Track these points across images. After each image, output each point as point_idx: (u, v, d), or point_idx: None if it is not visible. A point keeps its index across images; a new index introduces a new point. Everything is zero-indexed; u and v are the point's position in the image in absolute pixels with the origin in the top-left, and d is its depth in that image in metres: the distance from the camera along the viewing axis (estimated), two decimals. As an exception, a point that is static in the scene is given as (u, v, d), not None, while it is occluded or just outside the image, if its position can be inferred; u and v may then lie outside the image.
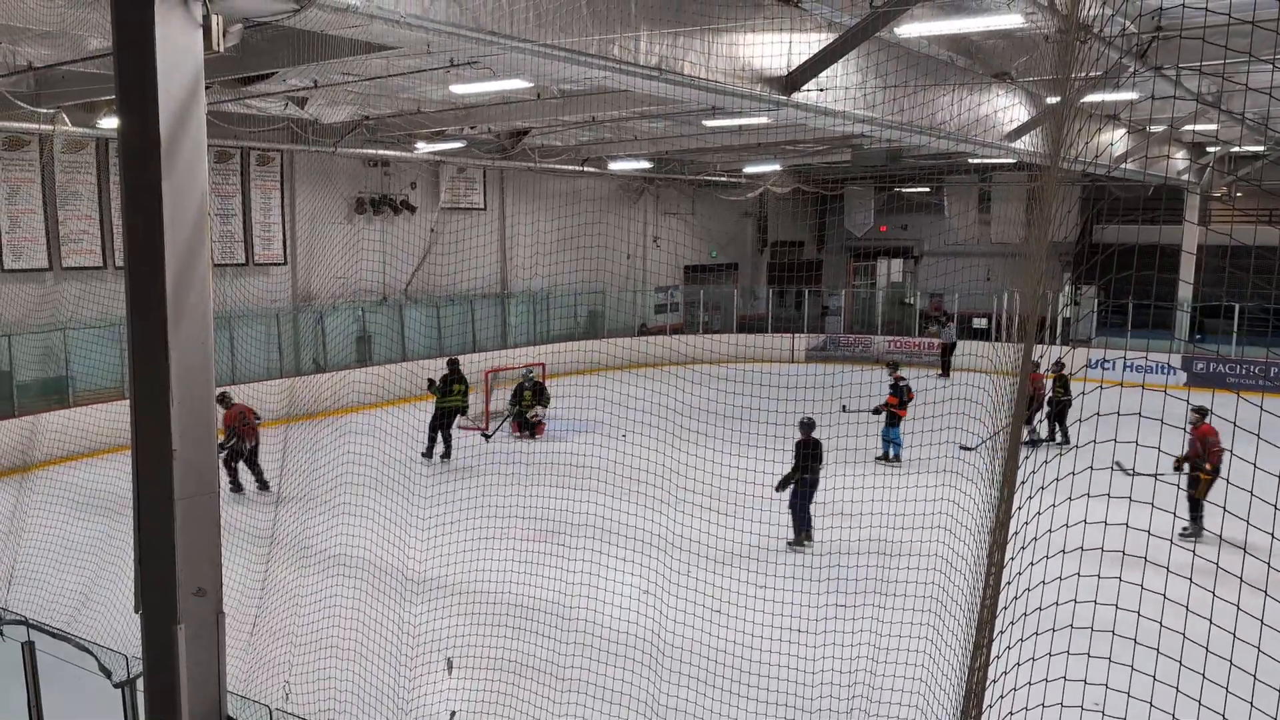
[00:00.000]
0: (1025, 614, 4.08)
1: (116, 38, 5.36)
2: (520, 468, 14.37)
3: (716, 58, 10.23)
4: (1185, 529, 10.79)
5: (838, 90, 12.00)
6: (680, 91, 10.98)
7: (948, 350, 26.76)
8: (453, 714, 7.46)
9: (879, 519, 7.98)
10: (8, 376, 16.64)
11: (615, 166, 25.72)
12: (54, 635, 6.56)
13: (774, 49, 10.78)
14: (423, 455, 16.03)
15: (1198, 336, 26.14)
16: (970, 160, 26.24)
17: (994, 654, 3.90)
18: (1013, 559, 3.74)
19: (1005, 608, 3.78)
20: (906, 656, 7.27)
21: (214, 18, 5.50)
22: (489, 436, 18.32)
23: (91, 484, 14.57)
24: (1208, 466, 11.09)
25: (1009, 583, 3.78)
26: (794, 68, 11.12)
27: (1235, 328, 25.09)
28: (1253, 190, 28.00)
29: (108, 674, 6.23)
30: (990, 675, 3.84)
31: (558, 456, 14.12)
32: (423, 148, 21.15)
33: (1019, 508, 3.83)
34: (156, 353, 5.36)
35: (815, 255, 35.85)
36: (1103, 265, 25.64)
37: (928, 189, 32.70)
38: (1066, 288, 28.92)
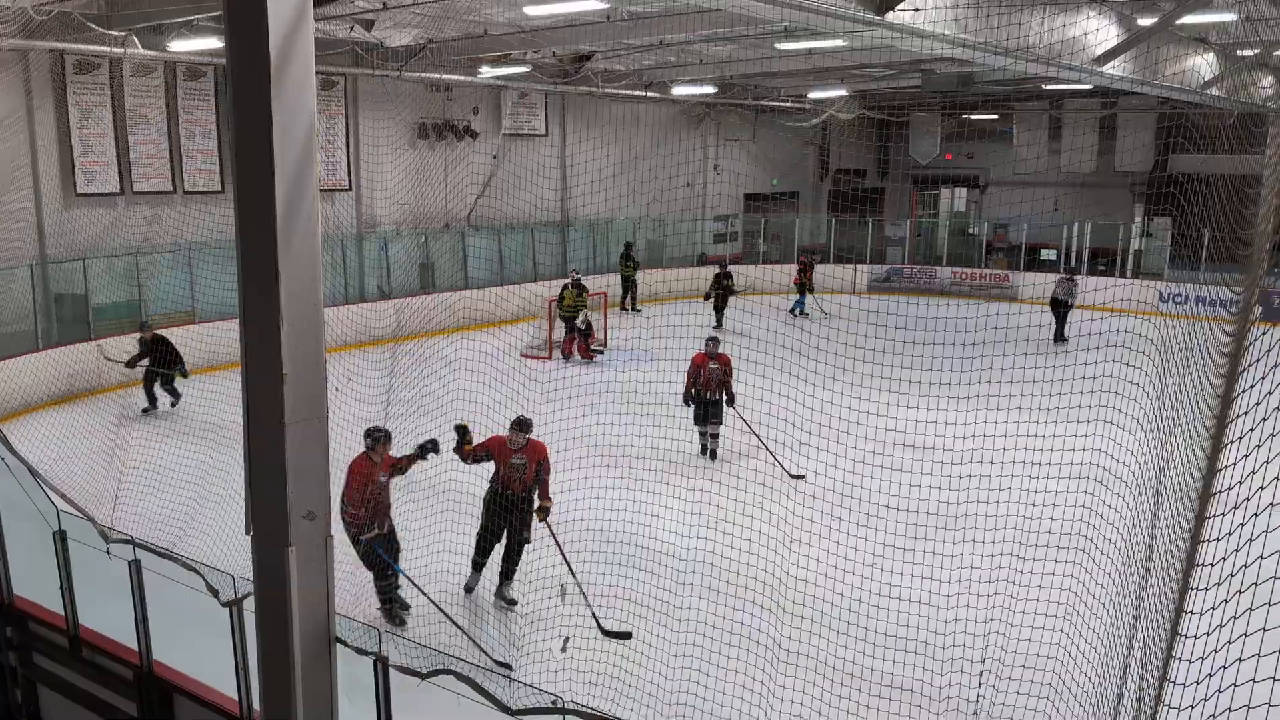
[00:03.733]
0: (1232, 573, 3.90)
1: (223, -46, 5.22)
2: (585, 396, 14.36)
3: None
4: None
5: (931, 11, 11.56)
6: (767, 9, 10.62)
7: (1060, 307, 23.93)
8: (566, 639, 7.53)
9: (1021, 467, 7.75)
10: (83, 300, 16.87)
11: (678, 91, 25.24)
12: (161, 554, 6.66)
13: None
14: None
15: (1276, 270, 25.30)
16: (1043, 86, 25.40)
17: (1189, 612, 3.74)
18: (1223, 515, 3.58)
19: (1210, 564, 3.62)
20: (1047, 608, 7.12)
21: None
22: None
23: (182, 408, 14.83)
24: None
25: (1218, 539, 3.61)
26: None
27: (1316, 262, 24.24)
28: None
29: (215, 593, 6.32)
30: (1185, 630, 3.70)
31: (620, 385, 14.10)
32: (486, 72, 20.86)
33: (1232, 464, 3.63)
34: (268, 276, 5.30)
35: (878, 184, 35.16)
36: (1177, 196, 24.73)
37: (996, 116, 31.78)
38: (1138, 219, 28.11)
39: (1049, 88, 25.77)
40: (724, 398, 12.32)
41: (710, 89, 25.57)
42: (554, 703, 6.69)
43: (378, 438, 8.39)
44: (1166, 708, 4.25)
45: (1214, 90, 20.32)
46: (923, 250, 31.69)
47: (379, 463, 8.33)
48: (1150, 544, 5.06)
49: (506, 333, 16.50)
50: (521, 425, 8.78)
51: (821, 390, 8.59)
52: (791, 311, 23.08)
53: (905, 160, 34.12)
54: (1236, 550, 3.81)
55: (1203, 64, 19.98)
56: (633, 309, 24.23)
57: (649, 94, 24.91)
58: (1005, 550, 7.34)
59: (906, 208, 34.50)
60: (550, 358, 18.95)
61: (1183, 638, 4.11)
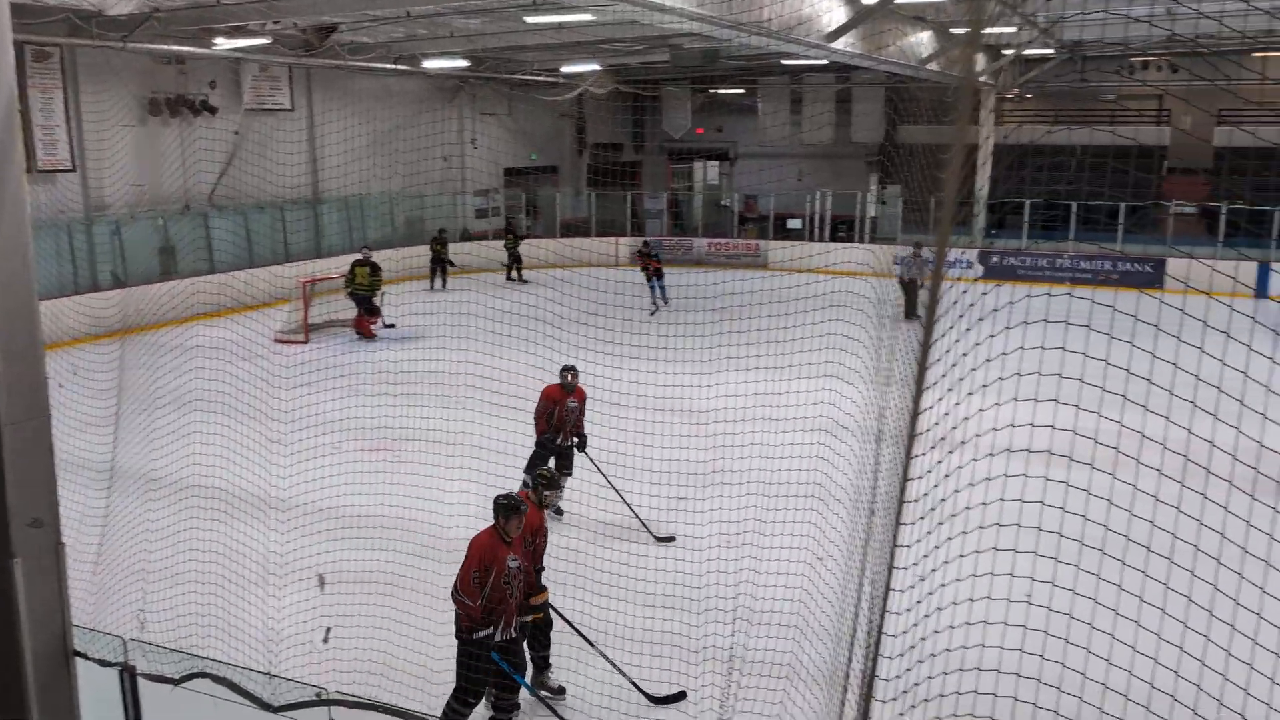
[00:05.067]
0: (932, 507, 4.30)
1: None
2: (351, 379, 14.01)
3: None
4: None
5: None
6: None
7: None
8: (328, 630, 7.34)
9: (758, 423, 8.16)
10: None
11: (429, 65, 24.79)
12: None
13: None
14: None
15: (993, 232, 27.77)
16: (783, 62, 26.65)
17: (901, 546, 4.09)
18: (922, 455, 3.93)
19: (915, 500, 3.97)
20: (789, 554, 7.59)
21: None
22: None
23: None
24: None
25: (919, 477, 3.97)
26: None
27: (1025, 223, 26.78)
28: (1041, 91, 29.67)
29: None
30: (899, 562, 4.05)
31: (388, 365, 13.85)
32: (222, 44, 19.73)
33: (929, 407, 3.99)
34: (-32, 265, 4.87)
35: (634, 157, 35.88)
36: (906, 165, 26.69)
37: (742, 90, 33.08)
38: (873, 187, 30.06)
39: (788, 63, 27.02)
40: (575, 441, 9.83)
41: (462, 63, 25.25)
42: (318, 694, 6.57)
43: (515, 505, 6.17)
44: (889, 636, 4.66)
45: (933, 65, 22.00)
46: (681, 222, 32.72)
47: (510, 541, 6.22)
48: (874, 486, 5.51)
49: (256, 318, 15.83)
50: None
51: (589, 364, 8.81)
52: (657, 299, 21.57)
53: (659, 134, 34.97)
54: (935, 486, 4.23)
55: (922, 41, 21.57)
56: (519, 279, 25.13)
57: (399, 67, 24.33)
58: (751, 503, 7.79)
59: (663, 180, 35.43)
60: (307, 341, 18.30)
61: (898, 569, 4.51)
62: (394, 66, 24.12)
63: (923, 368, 4.32)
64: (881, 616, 4.72)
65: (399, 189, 26.36)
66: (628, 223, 30.39)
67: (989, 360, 4.29)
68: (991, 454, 4.78)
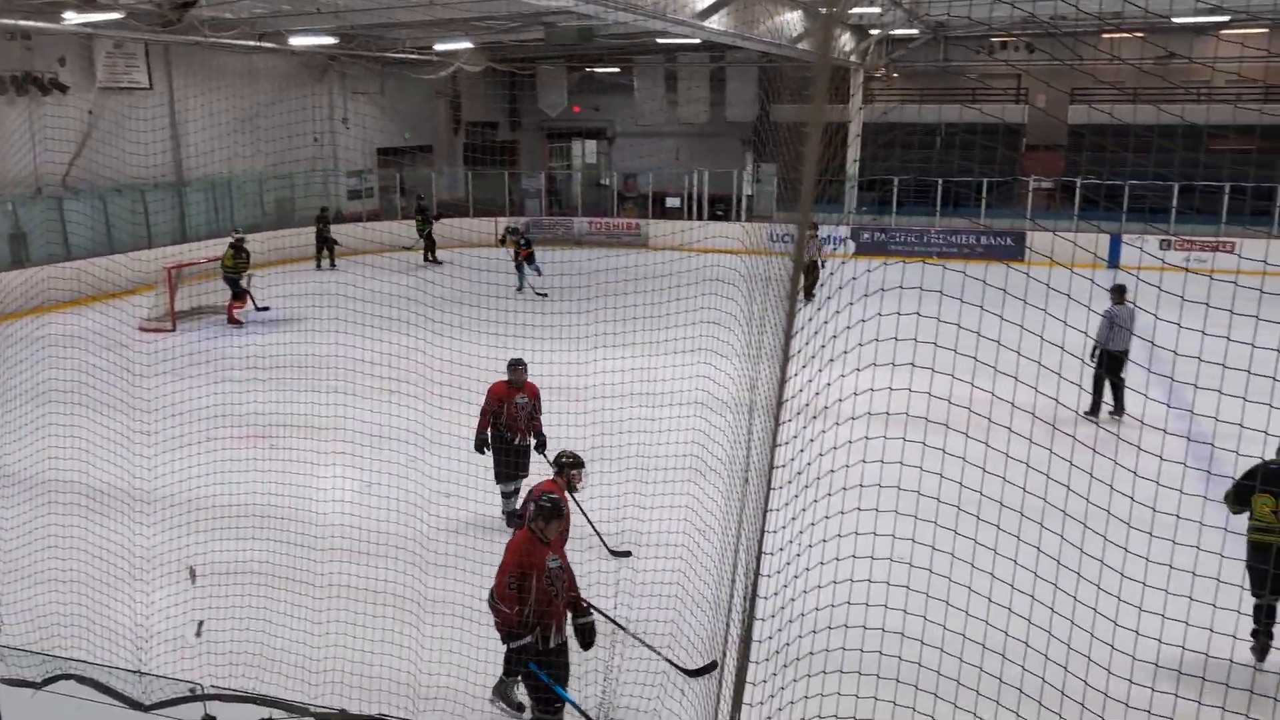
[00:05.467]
0: (799, 471, 4.42)
1: None
2: (220, 366, 13.58)
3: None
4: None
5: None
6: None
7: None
8: (200, 624, 7.13)
9: (636, 399, 8.22)
10: None
11: (296, 42, 24.05)
12: None
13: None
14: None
15: (863, 208, 28.51)
16: (658, 40, 26.77)
17: (771, 511, 4.20)
18: (787, 422, 4.03)
19: (781, 466, 4.07)
20: (670, 525, 7.71)
21: None
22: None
23: None
24: None
25: (785, 444, 4.07)
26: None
27: (894, 199, 27.57)
28: (908, 71, 30.54)
29: None
30: (769, 527, 4.15)
31: (259, 351, 13.48)
32: (71, 18, 18.75)
33: (794, 375, 4.09)
34: None
35: (511, 136, 35.56)
36: (779, 143, 27.11)
37: (618, 69, 33.10)
38: (749, 166, 30.49)
39: (663, 42, 27.17)
40: (534, 442, 9.00)
41: (330, 40, 24.59)
42: (192, 690, 6.40)
43: (556, 509, 5.72)
44: (762, 599, 4.78)
45: (802, 45, 22.40)
46: (560, 200, 32.64)
47: (548, 541, 5.82)
48: (748, 457, 5.64)
49: (119, 306, 15.19)
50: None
51: (468, 344, 8.72)
52: (520, 289, 20.85)
53: (535, 112, 34.75)
54: (800, 451, 4.36)
55: (792, 20, 21.93)
56: (433, 260, 25.18)
57: (264, 44, 23.54)
58: (631, 477, 7.88)
59: (540, 159, 35.24)
60: (174, 329, 17.65)
61: (770, 533, 4.64)
62: (258, 44, 23.32)
63: (789, 338, 4.44)
64: (755, 581, 4.85)
65: (266, 170, 25.57)
66: (506, 202, 30.14)
67: (848, 328, 4.44)
68: (853, 418, 4.95)
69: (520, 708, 6.33)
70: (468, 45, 27.02)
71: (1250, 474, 6.62)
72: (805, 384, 4.22)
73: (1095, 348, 11.90)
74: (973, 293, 4.62)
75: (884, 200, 27.77)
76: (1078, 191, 25.68)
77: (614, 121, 34.98)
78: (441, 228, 26.35)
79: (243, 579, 7.79)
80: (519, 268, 21.21)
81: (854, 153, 27.53)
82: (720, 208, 29.80)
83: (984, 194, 26.66)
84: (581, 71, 33.29)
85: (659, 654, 6.71)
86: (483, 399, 8.90)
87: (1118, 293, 12.07)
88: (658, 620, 7.02)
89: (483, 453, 8.89)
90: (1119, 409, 11.96)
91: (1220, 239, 23.68)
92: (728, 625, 5.37)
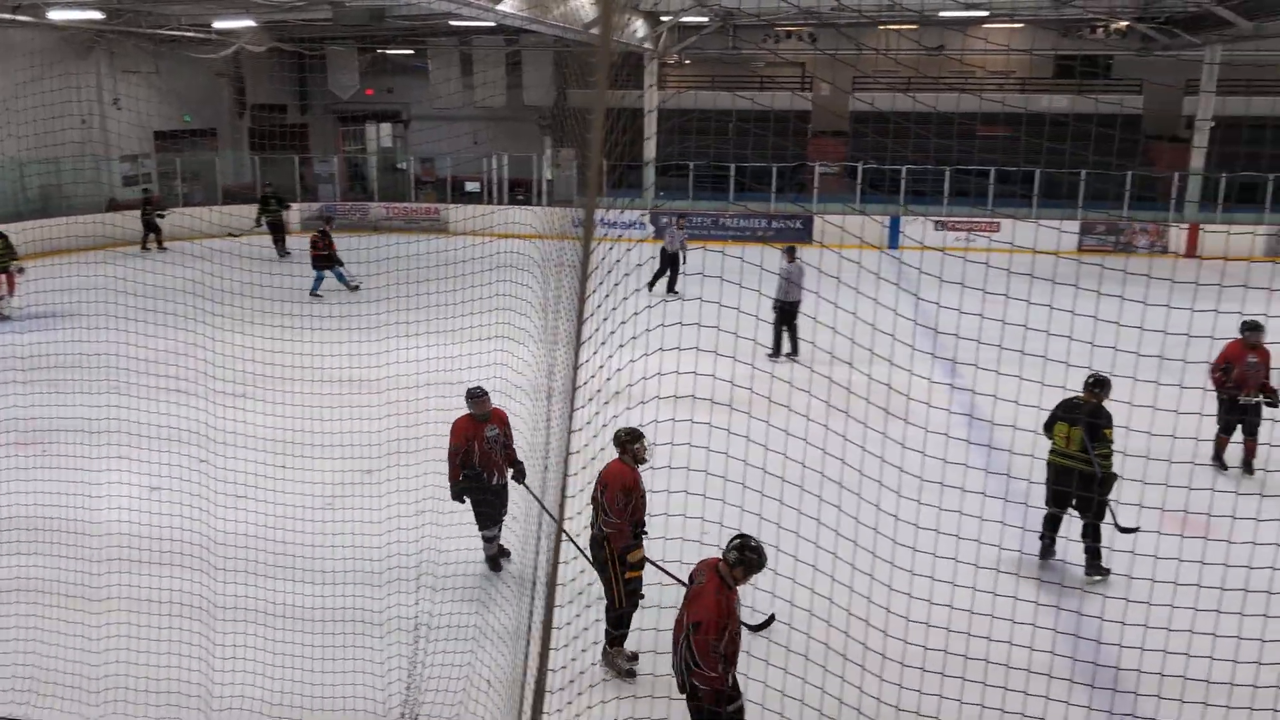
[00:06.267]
0: (593, 457, 4.45)
1: None
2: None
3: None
4: None
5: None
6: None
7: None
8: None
9: (434, 389, 8.04)
10: None
11: (55, 16, 22.27)
12: None
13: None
14: None
15: (661, 194, 29.01)
16: (451, 23, 26.29)
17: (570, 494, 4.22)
18: (582, 407, 4.06)
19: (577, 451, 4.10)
20: (469, 516, 7.60)
21: None
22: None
23: None
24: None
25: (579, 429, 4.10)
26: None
27: (690, 184, 28.19)
28: (699, 58, 31.24)
29: None
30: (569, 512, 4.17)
31: (23, 349, 12.50)
32: None
33: (589, 359, 4.11)
34: None
35: (301, 119, 34.18)
36: (576, 128, 27.13)
37: (411, 51, 32.34)
38: (548, 151, 30.45)
39: (456, 24, 26.71)
40: (510, 473, 7.82)
41: (95, 14, 22.91)
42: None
43: (759, 557, 5.20)
44: (561, 586, 4.82)
45: (595, 30, 22.53)
46: (355, 187, 31.61)
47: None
48: (547, 443, 5.67)
49: None
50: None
51: (253, 338, 8.34)
52: (314, 292, 18.10)
53: (326, 95, 33.51)
54: (595, 436, 4.42)
55: (585, 5, 22.02)
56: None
57: (19, 17, 21.69)
58: (431, 469, 7.76)
59: (333, 143, 34.05)
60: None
61: (569, 519, 4.69)
62: (13, 16, 21.47)
63: (580, 322, 4.49)
64: (554, 567, 4.89)
65: (26, 155, 23.60)
66: (297, 188, 28.97)
67: (636, 314, 4.53)
68: (643, 402, 5.05)
69: (631, 674, 6.30)
70: (249, 24, 25.75)
71: (1057, 406, 7.65)
72: (597, 369, 4.28)
73: (775, 301, 13.75)
74: (753, 278, 4.79)
75: (673, 185, 28.39)
76: (859, 177, 26.99)
77: (409, 104, 34.17)
78: (227, 216, 25.04)
79: (12, 597, 7.23)
80: (325, 267, 18.72)
81: (651, 138, 28.00)
82: (521, 192, 29.66)
83: (774, 179, 27.64)
84: (373, 53, 32.32)
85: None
86: (269, 389, 8.54)
87: (789, 253, 14.11)
88: (462, 614, 6.96)
89: (463, 502, 7.78)
90: (794, 351, 14.09)
91: (989, 219, 25.44)
92: (530, 614, 5.39)
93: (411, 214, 28.97)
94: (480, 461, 7.58)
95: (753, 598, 5.89)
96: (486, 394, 7.66)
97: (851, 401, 5.80)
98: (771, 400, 5.44)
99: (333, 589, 7.32)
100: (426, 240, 9.79)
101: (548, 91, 31.22)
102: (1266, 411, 9.59)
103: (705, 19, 27.13)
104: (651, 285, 17.77)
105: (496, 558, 7.83)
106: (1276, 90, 29.03)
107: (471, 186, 30.02)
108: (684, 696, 4.98)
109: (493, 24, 24.27)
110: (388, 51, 32.20)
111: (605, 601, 6.27)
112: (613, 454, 5.91)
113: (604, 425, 4.53)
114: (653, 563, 6.40)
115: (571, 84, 21.54)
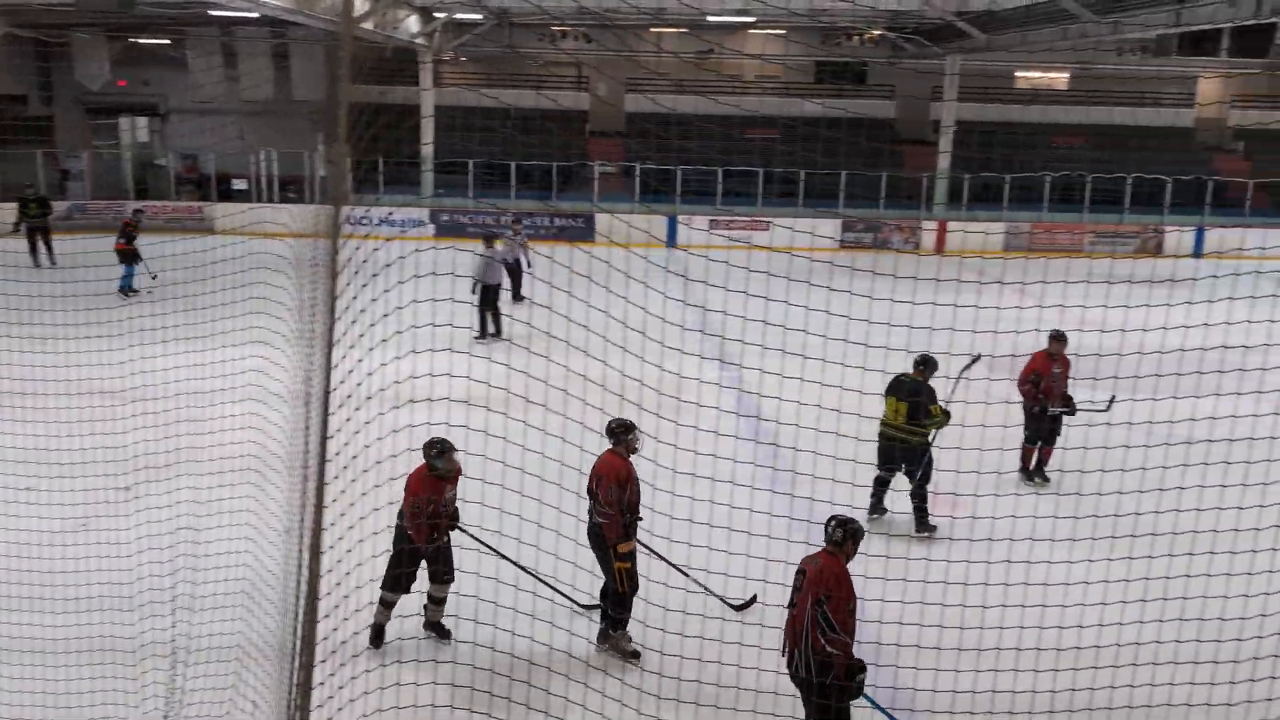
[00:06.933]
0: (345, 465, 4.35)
1: None
2: None
3: None
4: None
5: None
6: None
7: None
8: None
9: (185, 398, 7.60)
10: None
11: None
12: None
13: None
14: None
15: (440, 191, 28.62)
16: (210, 13, 24.98)
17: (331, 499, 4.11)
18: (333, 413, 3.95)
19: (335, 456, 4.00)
20: (231, 531, 7.21)
21: None
22: None
23: None
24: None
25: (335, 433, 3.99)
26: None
27: (470, 182, 27.95)
28: (476, 55, 30.99)
29: None
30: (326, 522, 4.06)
31: None
32: None
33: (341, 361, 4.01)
34: None
35: (44, 111, 31.55)
36: (353, 125, 26.18)
37: (169, 40, 30.48)
38: (320, 147, 29.43)
39: (217, 14, 25.41)
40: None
41: None
42: None
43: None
44: (323, 597, 4.70)
45: (367, 24, 21.97)
46: (108, 184, 29.48)
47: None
48: (305, 450, 5.49)
49: None
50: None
51: None
52: (124, 290, 17.35)
53: (72, 85, 31.10)
54: (345, 444, 4.33)
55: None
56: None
57: None
58: (184, 483, 7.37)
59: (82, 138, 31.64)
60: None
61: (326, 528, 4.57)
62: None
63: (331, 322, 4.40)
64: (315, 577, 4.77)
65: None
66: (41, 185, 26.72)
67: (385, 316, 4.48)
68: (396, 406, 5.00)
69: (636, 654, 6.59)
70: (-22, 7, 23.61)
71: (891, 381, 8.61)
72: (347, 373, 4.20)
73: (474, 283, 14.49)
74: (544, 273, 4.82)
75: (454, 183, 28.12)
76: (637, 176, 27.53)
77: (167, 97, 32.15)
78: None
79: None
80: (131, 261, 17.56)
81: (428, 135, 27.52)
82: (292, 190, 28.54)
83: (554, 178, 27.81)
84: (124, 41, 30.24)
85: (710, 590, 6.94)
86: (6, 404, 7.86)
87: (487, 241, 15.41)
88: (223, 634, 6.64)
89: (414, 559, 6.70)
90: (498, 333, 14.74)
91: (757, 218, 26.52)
92: (295, 627, 5.23)
93: (173, 213, 27.32)
94: (430, 522, 6.57)
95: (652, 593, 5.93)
96: (450, 448, 6.61)
97: (614, 396, 5.94)
98: (526, 400, 5.49)
99: (83, 616, 6.82)
100: (185, 240, 9.28)
101: (320, 85, 30.15)
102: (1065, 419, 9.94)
103: (480, 16, 26.96)
104: (515, 297, 17.16)
105: (381, 630, 6.64)
106: (1008, 98, 31.74)
107: (239, 184, 28.63)
108: (798, 694, 5.25)
109: (256, 15, 23.25)
110: (140, 40, 30.21)
111: (611, 587, 6.52)
112: (375, 458, 5.82)
113: (354, 432, 4.45)
114: (648, 548, 6.82)
115: (344, 79, 20.85)
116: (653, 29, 27.39)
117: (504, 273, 14.86)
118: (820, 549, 5.41)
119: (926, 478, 8.75)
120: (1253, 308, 6.67)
